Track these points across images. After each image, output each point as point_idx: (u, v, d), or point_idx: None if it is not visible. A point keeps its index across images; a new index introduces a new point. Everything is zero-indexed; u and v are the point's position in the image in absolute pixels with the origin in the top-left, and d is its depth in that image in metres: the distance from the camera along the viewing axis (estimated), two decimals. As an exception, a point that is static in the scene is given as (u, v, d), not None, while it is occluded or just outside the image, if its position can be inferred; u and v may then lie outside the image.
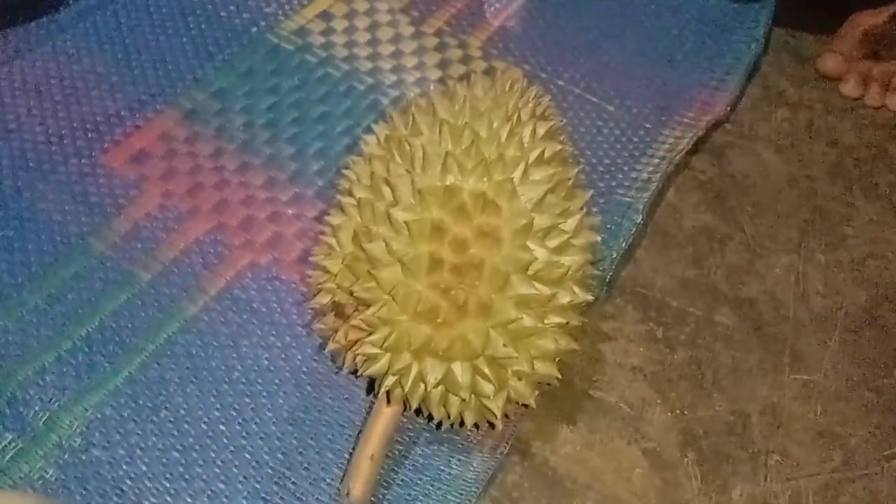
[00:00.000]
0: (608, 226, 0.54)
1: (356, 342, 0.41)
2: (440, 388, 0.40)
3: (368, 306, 0.40)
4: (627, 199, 0.55)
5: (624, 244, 0.53)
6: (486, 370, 0.39)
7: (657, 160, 0.57)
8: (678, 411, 0.48)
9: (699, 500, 0.45)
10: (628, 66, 0.64)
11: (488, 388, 0.39)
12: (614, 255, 0.52)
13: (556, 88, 0.62)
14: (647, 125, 0.60)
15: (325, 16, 0.65)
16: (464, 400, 0.40)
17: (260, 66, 0.61)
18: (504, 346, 0.38)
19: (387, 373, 0.40)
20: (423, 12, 0.66)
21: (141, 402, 0.45)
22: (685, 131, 0.59)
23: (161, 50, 0.61)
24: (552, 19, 0.67)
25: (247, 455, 0.43)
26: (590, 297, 0.41)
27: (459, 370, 0.39)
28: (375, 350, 0.40)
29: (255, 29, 0.64)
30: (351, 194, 0.43)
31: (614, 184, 0.56)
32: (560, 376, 0.41)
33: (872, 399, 0.50)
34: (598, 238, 0.43)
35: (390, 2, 0.67)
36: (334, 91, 0.60)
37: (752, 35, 0.66)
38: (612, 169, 0.57)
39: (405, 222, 0.39)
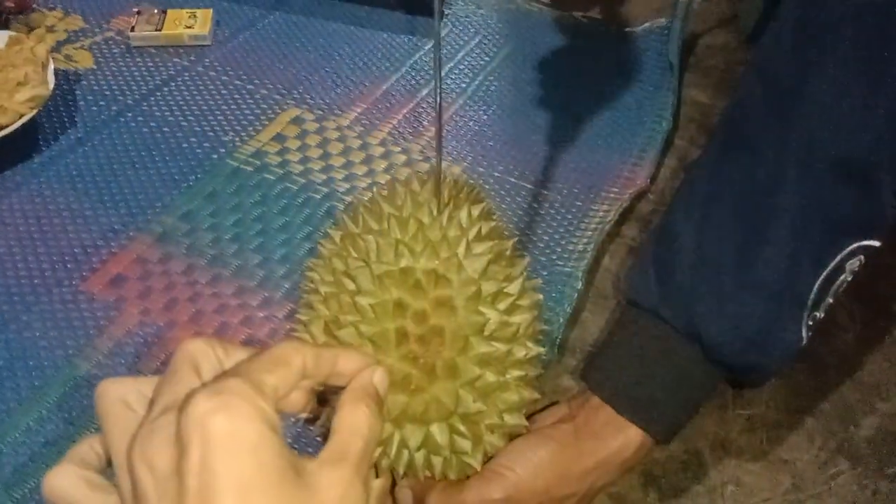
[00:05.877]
0: (553, 294, 0.59)
1: (337, 423, 0.45)
2: (422, 451, 0.43)
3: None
4: (568, 269, 0.61)
5: (569, 309, 0.58)
6: (462, 427, 0.43)
7: (590, 232, 0.64)
8: (637, 455, 0.52)
9: (667, 535, 0.49)
10: (556, 153, 0.71)
11: (466, 444, 0.43)
12: (561, 320, 0.57)
13: (493, 179, 0.69)
14: (578, 203, 0.67)
15: (279, 137, 0.72)
16: (445, 459, 0.44)
17: (222, 188, 0.67)
18: (474, 401, 0.43)
19: (371, 446, 0.44)
20: (367, 126, 0.73)
21: (136, 506, 0.47)
22: (612, 204, 0.66)
23: (130, 182, 0.67)
24: (483, 120, 0.75)
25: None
26: (542, 350, 0.46)
27: (437, 431, 0.43)
28: (355, 425, 0.43)
29: (215, 156, 0.70)
30: (317, 292, 0.48)
31: (554, 257, 0.62)
32: (528, 425, 0.46)
33: (813, 424, 0.55)
34: (541, 297, 0.48)
35: (338, 120, 0.74)
36: (293, 202, 0.66)
37: (662, 115, 0.75)
38: (551, 244, 0.63)
39: (370, 305, 0.43)
